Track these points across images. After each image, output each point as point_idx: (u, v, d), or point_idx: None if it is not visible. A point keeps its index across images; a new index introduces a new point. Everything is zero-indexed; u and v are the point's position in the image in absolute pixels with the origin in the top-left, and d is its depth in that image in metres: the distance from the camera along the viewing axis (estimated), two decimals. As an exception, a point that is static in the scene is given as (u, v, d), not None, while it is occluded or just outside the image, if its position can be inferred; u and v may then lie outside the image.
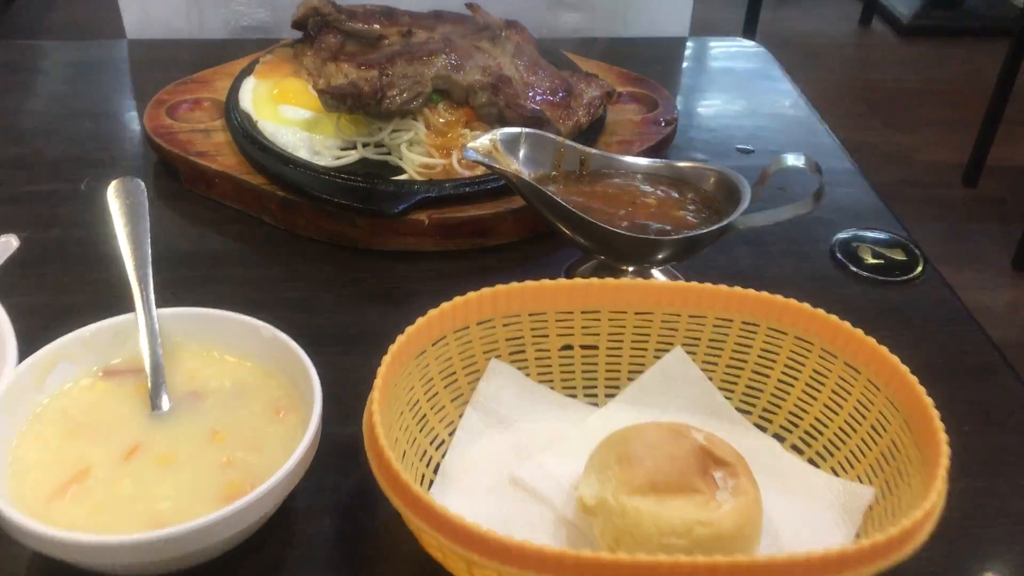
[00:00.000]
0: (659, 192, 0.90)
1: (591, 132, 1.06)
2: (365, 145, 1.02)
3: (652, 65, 1.34)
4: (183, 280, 0.88)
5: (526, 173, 0.90)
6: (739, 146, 1.17)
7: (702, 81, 1.37)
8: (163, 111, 1.08)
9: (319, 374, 0.66)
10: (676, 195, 0.89)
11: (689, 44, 1.47)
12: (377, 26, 1.17)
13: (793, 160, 0.84)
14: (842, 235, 1.01)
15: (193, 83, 1.14)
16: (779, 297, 0.73)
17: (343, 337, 0.84)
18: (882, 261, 0.97)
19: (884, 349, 0.68)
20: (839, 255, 0.98)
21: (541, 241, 0.97)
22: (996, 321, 2.59)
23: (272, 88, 1.09)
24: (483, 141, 0.88)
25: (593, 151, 0.92)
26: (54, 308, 0.83)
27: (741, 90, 1.34)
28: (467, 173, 0.98)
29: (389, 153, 1.01)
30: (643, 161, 0.92)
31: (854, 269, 0.96)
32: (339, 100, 0.98)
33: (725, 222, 0.83)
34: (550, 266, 0.93)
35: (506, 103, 1.00)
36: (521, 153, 0.90)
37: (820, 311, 0.71)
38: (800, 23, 4.56)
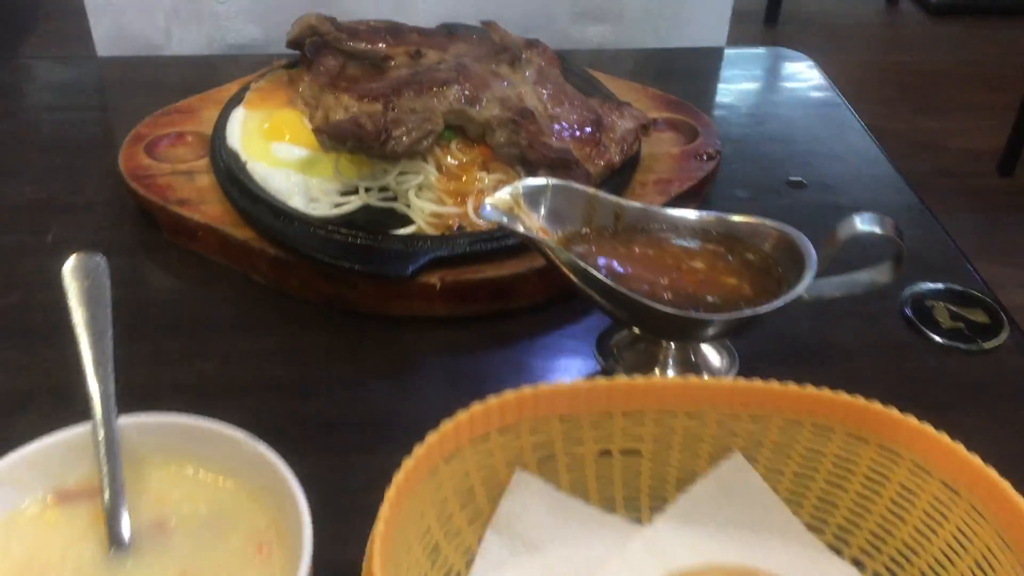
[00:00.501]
0: (708, 253, 0.78)
1: (624, 170, 0.95)
2: (368, 190, 0.90)
3: (687, 81, 1.22)
4: (158, 355, 0.77)
5: (552, 231, 0.78)
6: (790, 178, 1.05)
7: (741, 97, 1.25)
8: (141, 148, 0.96)
9: (313, 478, 0.55)
10: (729, 257, 0.77)
11: (728, 53, 1.34)
12: (382, 45, 1.05)
13: (868, 225, 0.72)
14: (913, 289, 0.89)
15: (176, 113, 1.03)
16: (858, 400, 0.61)
17: (343, 427, 0.73)
18: (961, 324, 0.85)
19: (992, 473, 0.56)
20: (912, 316, 0.86)
21: (567, 302, 0.85)
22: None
23: (264, 122, 0.97)
24: (503, 196, 0.76)
25: (629, 204, 0.80)
26: (5, 400, 0.72)
27: (786, 107, 1.21)
28: (484, 224, 0.87)
29: (395, 199, 0.90)
30: (688, 214, 0.80)
31: (931, 335, 0.84)
32: (337, 141, 0.86)
33: (788, 297, 0.71)
34: (578, 335, 0.82)
35: (528, 142, 0.88)
36: (546, 207, 0.79)
37: (910, 420, 0.60)
38: (824, 3, 4.40)
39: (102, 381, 0.63)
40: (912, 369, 0.80)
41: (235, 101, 1.02)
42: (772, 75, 1.29)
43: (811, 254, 0.74)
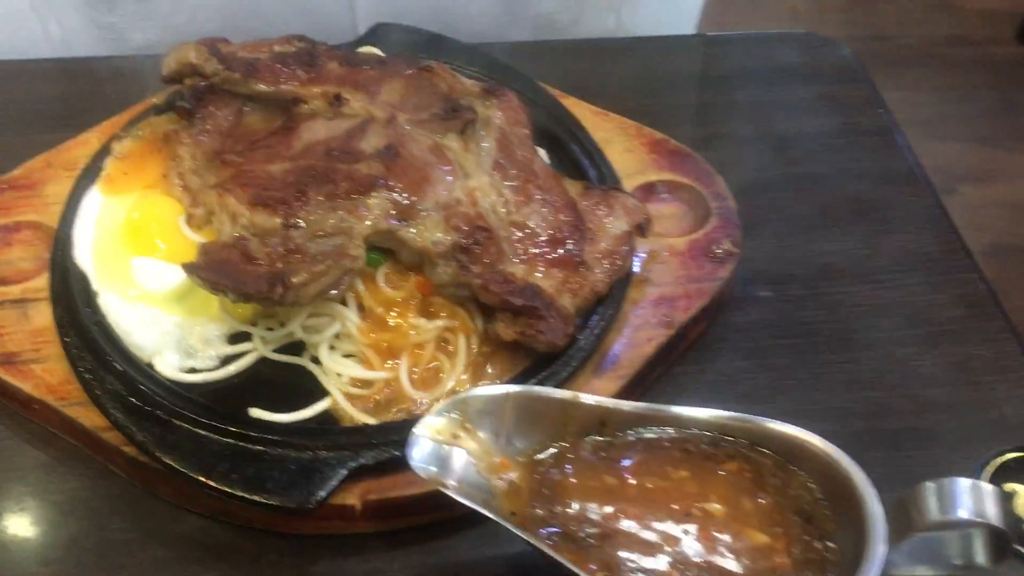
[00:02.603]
0: (729, 484, 0.58)
1: (613, 289, 0.72)
2: (267, 341, 0.68)
3: (664, 89, 0.97)
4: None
5: (515, 448, 0.57)
6: (829, 261, 0.82)
7: (745, 109, 0.98)
8: (-43, 256, 0.72)
9: None
10: (761, 498, 0.57)
11: (724, 41, 1.07)
12: (292, 84, 0.80)
13: (957, 507, 0.51)
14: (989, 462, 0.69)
15: (9, 190, 0.78)
16: None
17: None
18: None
19: None
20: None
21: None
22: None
23: (127, 215, 0.73)
24: (437, 420, 0.56)
25: (619, 406, 0.59)
26: None
27: (808, 122, 0.96)
28: (424, 396, 0.65)
29: (303, 347, 0.68)
30: (700, 414, 0.60)
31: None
32: (215, 289, 0.63)
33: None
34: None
35: (483, 281, 0.65)
36: (506, 420, 0.57)
37: None
38: None
39: None
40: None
41: (91, 173, 0.77)
42: (797, 76, 1.03)
43: (875, 512, 0.54)
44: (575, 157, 0.82)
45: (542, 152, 0.81)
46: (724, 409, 0.72)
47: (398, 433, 0.62)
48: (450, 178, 0.70)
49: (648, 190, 0.82)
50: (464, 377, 0.66)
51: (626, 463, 0.58)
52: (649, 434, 0.60)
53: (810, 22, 2.93)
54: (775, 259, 0.83)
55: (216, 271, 0.64)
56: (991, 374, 0.75)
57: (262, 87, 0.79)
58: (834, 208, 0.88)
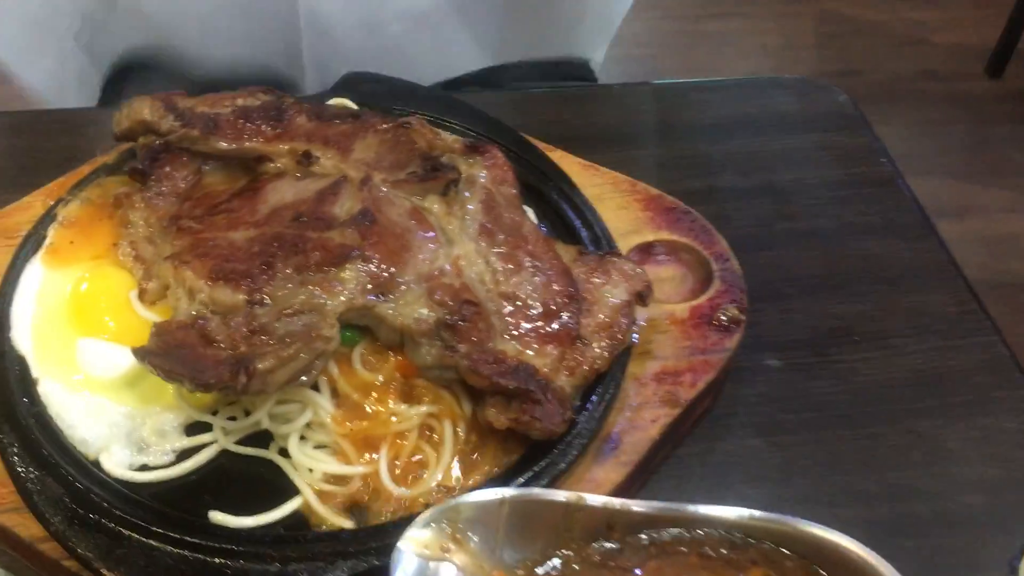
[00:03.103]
0: (753, 597, 0.51)
1: (613, 365, 0.66)
2: (229, 432, 0.61)
3: (653, 139, 0.93)
4: None
5: (512, 560, 0.51)
6: (838, 324, 0.77)
7: (740, 159, 0.93)
8: None
9: None
10: (789, 617, 0.51)
11: (714, 87, 1.03)
12: (258, 141, 0.74)
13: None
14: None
15: (-59, 261, 0.71)
16: None
17: None
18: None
19: None
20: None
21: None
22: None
23: (73, 289, 0.66)
24: (423, 533, 0.49)
25: (626, 506, 0.52)
26: None
27: (808, 173, 0.91)
28: (405, 491, 0.59)
29: (270, 438, 0.61)
30: (718, 512, 0.53)
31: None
32: (169, 377, 0.57)
33: None
34: None
35: (470, 362, 0.59)
36: (501, 529, 0.51)
37: None
38: None
39: None
40: None
41: (34, 241, 0.70)
42: (793, 124, 0.98)
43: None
44: (566, 217, 0.76)
45: (530, 212, 0.75)
46: (735, 494, 0.67)
47: (378, 539, 0.55)
48: (432, 245, 0.64)
49: (645, 251, 0.76)
50: (452, 470, 0.60)
51: (638, 572, 0.52)
52: (663, 537, 0.53)
53: (781, 59, 2.92)
54: (781, 323, 0.78)
55: (171, 357, 0.57)
56: (1022, 448, 0.70)
57: (223, 145, 0.73)
58: (840, 266, 0.83)
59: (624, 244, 0.76)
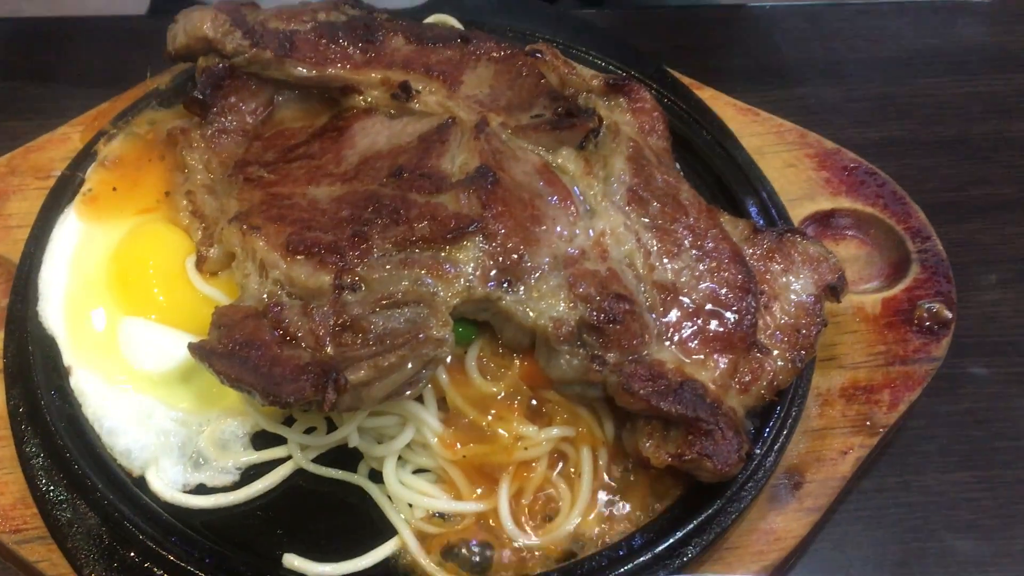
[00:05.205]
0: None
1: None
2: (307, 447, 0.49)
3: (815, 75, 0.78)
4: None
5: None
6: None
7: (924, 102, 0.77)
8: None
9: None
10: None
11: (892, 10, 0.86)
12: (345, 67, 0.60)
13: None
14: None
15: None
16: None
17: None
18: None
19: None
20: None
21: None
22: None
23: (115, 252, 0.54)
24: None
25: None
26: None
27: (1014, 126, 0.75)
28: (533, 540, 0.46)
29: (359, 459, 0.49)
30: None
31: None
32: (238, 385, 0.44)
33: None
34: None
35: (621, 380, 0.46)
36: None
37: None
38: None
39: None
40: None
41: (70, 184, 0.58)
42: (983, 59, 0.81)
43: None
44: (723, 178, 0.62)
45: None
46: (939, 546, 0.53)
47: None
48: (570, 217, 0.50)
49: (822, 222, 0.62)
50: (591, 512, 0.47)
51: None
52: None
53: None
54: (983, 319, 0.63)
55: (238, 360, 0.44)
56: None
57: (302, 71, 0.60)
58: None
59: (795, 214, 0.62)
